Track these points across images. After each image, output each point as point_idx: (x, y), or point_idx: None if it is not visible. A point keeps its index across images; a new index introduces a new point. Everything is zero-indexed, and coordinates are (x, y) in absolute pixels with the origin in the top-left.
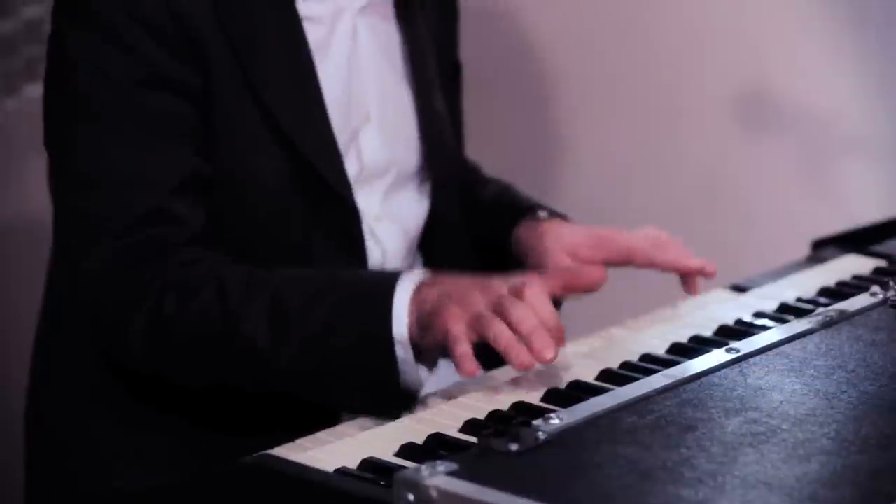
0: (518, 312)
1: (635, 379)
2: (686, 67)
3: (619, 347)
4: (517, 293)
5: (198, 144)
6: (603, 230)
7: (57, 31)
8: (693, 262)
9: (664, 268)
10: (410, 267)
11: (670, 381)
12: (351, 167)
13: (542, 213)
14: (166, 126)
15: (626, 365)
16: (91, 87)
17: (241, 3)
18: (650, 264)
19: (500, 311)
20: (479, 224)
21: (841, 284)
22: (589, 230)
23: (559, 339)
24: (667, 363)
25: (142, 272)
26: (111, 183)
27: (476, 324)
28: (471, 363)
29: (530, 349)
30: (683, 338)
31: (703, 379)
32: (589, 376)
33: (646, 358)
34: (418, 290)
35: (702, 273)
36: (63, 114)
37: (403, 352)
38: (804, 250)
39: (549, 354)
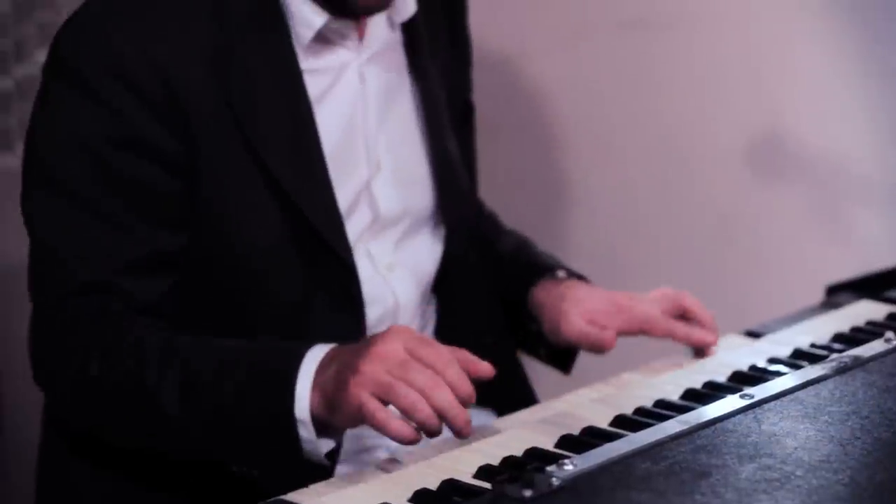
0: (427, 382)
1: (649, 425)
2: (699, 112)
3: (633, 393)
4: (428, 359)
5: (169, 214)
6: (621, 297)
7: (42, 86)
8: (707, 337)
9: (679, 341)
10: (424, 314)
11: (684, 427)
12: (364, 217)
13: (561, 273)
14: (132, 195)
15: (639, 411)
16: (60, 153)
17: (239, 60)
18: (666, 336)
19: (409, 379)
20: (496, 280)
21: (855, 330)
22: (607, 296)
23: (470, 400)
24: (681, 409)
25: (73, 335)
26: (60, 251)
27: (383, 392)
28: (407, 430)
29: (450, 424)
30: (697, 383)
31: (718, 425)
32: (603, 422)
33: (660, 404)
34: (320, 370)
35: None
36: (31, 175)
37: (307, 432)
38: (818, 296)
39: (468, 432)
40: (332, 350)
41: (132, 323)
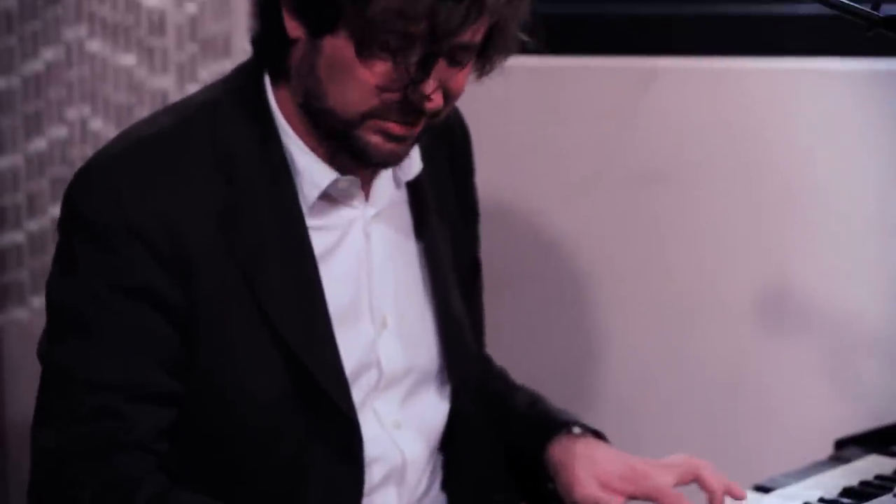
0: None
1: None
2: (706, 266)
3: None
4: None
5: (169, 360)
6: (637, 462)
7: (58, 239)
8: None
9: None
10: (432, 471)
11: None
12: (370, 375)
13: (577, 430)
14: (137, 339)
15: None
16: (72, 297)
17: (246, 216)
18: None
19: None
20: (510, 436)
21: (864, 484)
22: (623, 459)
23: None
24: None
25: (73, 467)
26: (70, 382)
27: None
28: None
29: None
30: None
31: None
32: None
33: None
34: None
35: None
36: (48, 320)
37: None
38: (827, 450)
39: None
40: None
41: (135, 461)
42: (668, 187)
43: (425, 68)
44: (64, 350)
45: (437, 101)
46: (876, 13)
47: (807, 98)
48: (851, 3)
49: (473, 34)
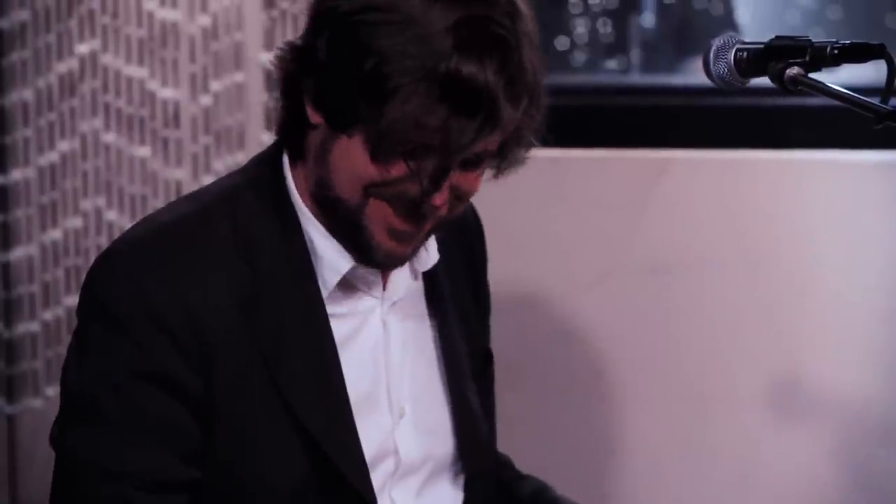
0: None
1: None
2: (717, 356)
3: None
4: None
5: (185, 448)
6: None
7: (77, 327)
8: None
9: None
10: None
11: None
12: (388, 464)
13: None
14: (154, 427)
15: None
16: (89, 384)
17: (268, 304)
18: None
19: None
20: None
21: None
22: None
23: None
24: None
25: None
26: (84, 471)
27: None
28: None
29: None
30: None
31: None
32: None
33: None
34: None
35: None
36: (63, 409)
37: None
38: None
39: None
40: None
41: None
42: (680, 278)
43: (437, 181)
44: (78, 437)
45: (444, 210)
46: (884, 106)
47: (816, 189)
48: (860, 97)
49: (487, 144)
